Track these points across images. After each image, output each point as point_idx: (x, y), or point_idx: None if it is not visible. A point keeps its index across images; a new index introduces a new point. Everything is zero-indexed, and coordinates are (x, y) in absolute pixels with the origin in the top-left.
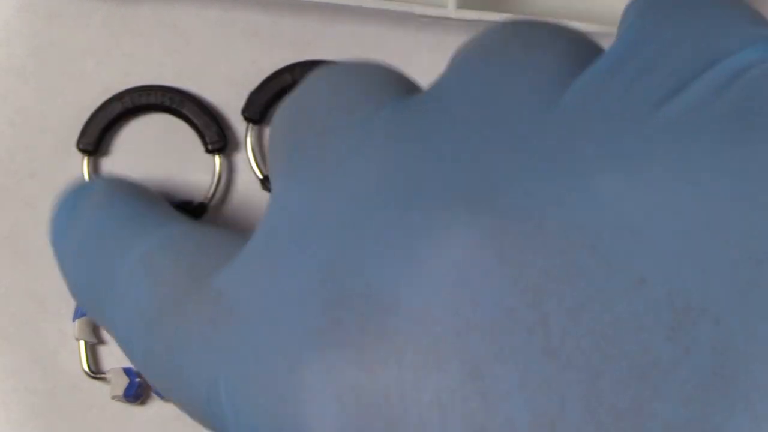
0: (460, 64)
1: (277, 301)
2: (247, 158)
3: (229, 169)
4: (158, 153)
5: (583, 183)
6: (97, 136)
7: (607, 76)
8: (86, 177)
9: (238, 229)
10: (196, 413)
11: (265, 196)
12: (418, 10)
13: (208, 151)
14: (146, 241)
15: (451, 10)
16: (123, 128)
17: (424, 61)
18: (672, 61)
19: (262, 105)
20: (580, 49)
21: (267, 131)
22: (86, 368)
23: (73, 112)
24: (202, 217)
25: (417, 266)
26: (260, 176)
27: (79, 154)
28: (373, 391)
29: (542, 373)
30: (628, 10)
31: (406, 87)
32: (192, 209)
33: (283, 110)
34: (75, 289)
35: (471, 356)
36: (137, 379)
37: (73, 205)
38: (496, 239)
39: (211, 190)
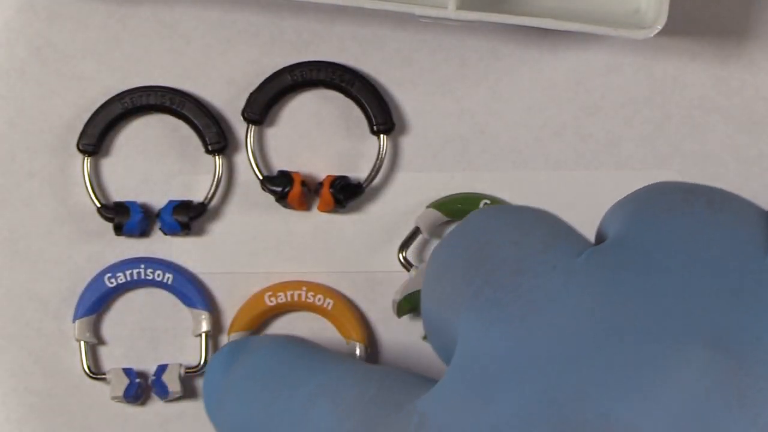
0: (640, 217)
1: (495, 426)
2: (247, 159)
3: (229, 170)
4: (158, 153)
5: None
6: (97, 137)
7: None
8: (87, 181)
9: (239, 230)
10: None
11: (264, 196)
12: (418, 10)
13: (208, 151)
14: (324, 373)
15: (451, 11)
16: (123, 128)
17: (424, 62)
18: None
19: (262, 105)
20: (759, 211)
21: (267, 132)
22: (86, 369)
23: (73, 112)
24: (201, 216)
25: (655, 398)
26: (260, 177)
27: (79, 154)
28: None
29: None
30: None
31: (579, 236)
32: (192, 209)
33: (452, 247)
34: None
35: None
36: (137, 380)
37: (229, 357)
38: (736, 379)
39: (211, 191)
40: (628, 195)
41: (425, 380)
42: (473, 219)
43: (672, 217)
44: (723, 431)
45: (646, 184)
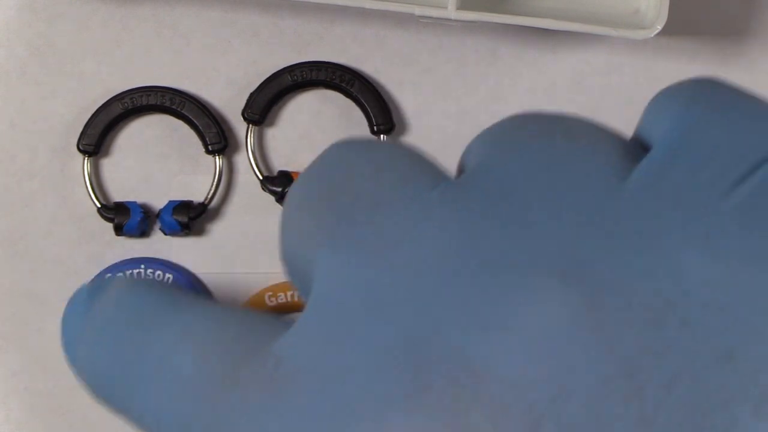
0: (499, 149)
1: (351, 366)
2: (247, 159)
3: (230, 170)
4: (158, 153)
5: (668, 259)
6: (97, 137)
7: (666, 166)
8: (87, 181)
9: (239, 230)
10: None
11: (264, 196)
12: (418, 11)
13: (208, 151)
14: (184, 316)
15: (451, 11)
16: (123, 129)
17: (424, 62)
18: (729, 153)
19: (262, 105)
20: (617, 139)
21: (267, 132)
22: None
23: (73, 112)
24: (201, 216)
25: (510, 333)
26: (260, 177)
27: (79, 154)
28: None
29: None
30: (661, 100)
31: (438, 169)
32: (192, 209)
33: (308, 182)
34: (93, 378)
35: (567, 422)
36: None
37: (88, 298)
38: (590, 311)
39: (211, 191)
40: (487, 127)
41: (287, 323)
42: (328, 153)
43: (528, 148)
44: (579, 364)
45: None
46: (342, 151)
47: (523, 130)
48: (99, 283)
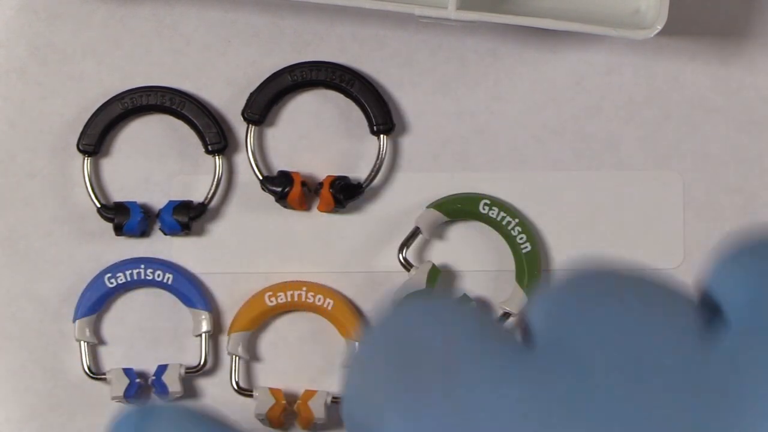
0: (571, 314)
1: None
2: (247, 159)
3: (229, 170)
4: (158, 153)
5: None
6: (97, 137)
7: (750, 336)
8: (87, 181)
9: (239, 230)
10: None
11: (264, 196)
12: (418, 10)
13: (208, 151)
14: None
15: (451, 11)
16: (123, 129)
17: (424, 62)
18: None
19: (262, 105)
20: (689, 301)
21: (267, 132)
22: (86, 369)
23: (73, 112)
24: (201, 216)
25: None
26: (260, 177)
27: (79, 154)
28: None
29: None
30: (730, 261)
31: (507, 334)
32: (192, 209)
33: (375, 344)
34: None
35: None
36: (137, 380)
37: (136, 427)
38: None
39: (211, 191)
40: (553, 285)
41: None
42: (395, 314)
43: (603, 313)
44: None
45: (645, 184)
46: (409, 312)
47: (593, 292)
48: (147, 413)
